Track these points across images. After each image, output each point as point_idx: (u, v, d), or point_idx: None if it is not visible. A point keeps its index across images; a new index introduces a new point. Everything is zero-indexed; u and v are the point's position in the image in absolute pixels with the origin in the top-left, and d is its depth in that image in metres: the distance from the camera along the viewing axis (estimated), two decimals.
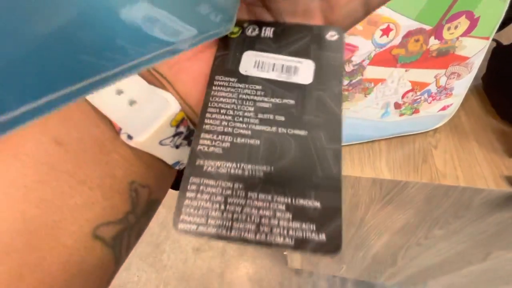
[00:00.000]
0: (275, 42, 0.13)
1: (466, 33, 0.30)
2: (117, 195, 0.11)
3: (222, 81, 0.12)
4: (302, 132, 0.12)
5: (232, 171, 0.11)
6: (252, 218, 0.10)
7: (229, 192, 0.10)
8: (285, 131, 0.12)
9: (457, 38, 0.30)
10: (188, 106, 0.13)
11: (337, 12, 0.12)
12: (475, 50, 0.32)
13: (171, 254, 1.14)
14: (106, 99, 0.11)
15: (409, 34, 0.29)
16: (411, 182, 0.38)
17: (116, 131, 0.11)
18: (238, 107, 0.12)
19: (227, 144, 0.11)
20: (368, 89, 0.33)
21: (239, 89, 0.12)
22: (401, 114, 0.38)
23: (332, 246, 0.10)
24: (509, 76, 0.41)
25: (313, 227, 0.10)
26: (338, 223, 0.10)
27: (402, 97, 0.35)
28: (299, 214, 0.10)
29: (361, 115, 0.37)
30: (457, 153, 0.40)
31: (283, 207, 0.10)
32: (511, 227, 0.44)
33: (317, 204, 0.10)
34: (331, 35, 0.13)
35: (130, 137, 0.11)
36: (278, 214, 0.10)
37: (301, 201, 0.10)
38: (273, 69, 0.13)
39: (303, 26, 0.13)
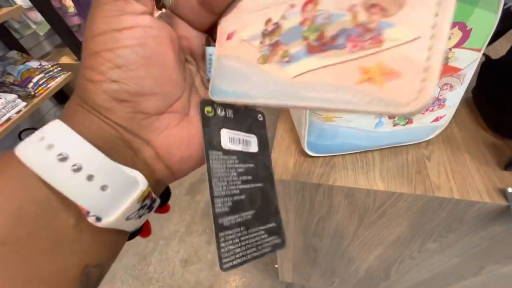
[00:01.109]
0: (235, 119, 0.18)
1: (458, 44, 0.30)
2: (66, 286, 0.11)
3: (214, 155, 0.16)
4: (260, 184, 0.18)
5: (237, 220, 0.16)
6: (254, 244, 0.16)
7: (239, 234, 0.16)
8: (253, 186, 0.17)
9: (450, 49, 0.30)
10: (166, 166, 0.15)
11: None
12: (467, 62, 0.32)
13: (158, 266, 1.10)
14: (77, 187, 0.11)
15: None
16: (405, 194, 0.37)
17: (83, 215, 0.11)
18: (228, 174, 0.16)
19: (230, 203, 0.16)
20: None
21: (225, 160, 0.16)
22: (395, 124, 0.38)
23: (284, 244, 0.18)
24: (498, 89, 0.42)
25: (277, 237, 0.17)
26: (283, 231, 0.18)
27: None
28: (270, 232, 0.17)
29: (354, 125, 0.36)
30: (450, 165, 0.40)
31: (264, 232, 0.17)
32: (504, 242, 0.43)
33: (274, 224, 0.18)
34: (259, 117, 0.19)
35: (98, 219, 0.12)
36: (263, 237, 0.17)
37: (269, 225, 0.17)
38: (239, 143, 0.18)
39: (245, 109, 0.19)
